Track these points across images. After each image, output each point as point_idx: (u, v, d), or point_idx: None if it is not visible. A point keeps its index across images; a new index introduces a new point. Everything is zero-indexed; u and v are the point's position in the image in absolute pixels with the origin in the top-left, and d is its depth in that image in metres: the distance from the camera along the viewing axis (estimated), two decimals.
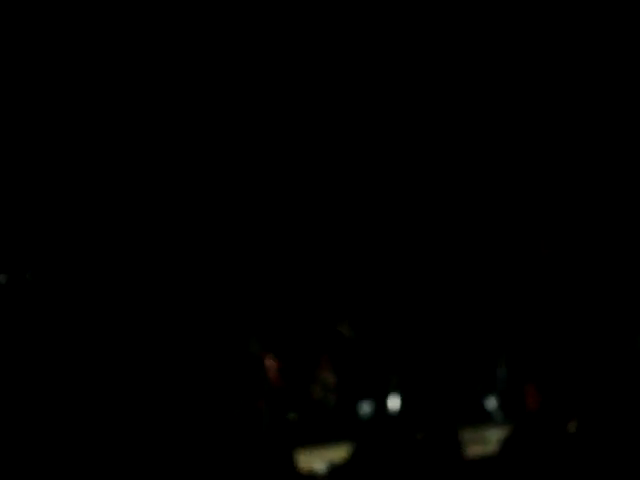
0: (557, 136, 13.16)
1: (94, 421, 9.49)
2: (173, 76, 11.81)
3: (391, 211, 13.22)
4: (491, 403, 13.01)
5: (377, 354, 13.10)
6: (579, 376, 12.94)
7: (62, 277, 10.93)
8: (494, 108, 13.03)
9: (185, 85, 11.92)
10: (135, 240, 11.44)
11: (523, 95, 12.93)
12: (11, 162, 10.86)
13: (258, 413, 11.17)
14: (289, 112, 12.46)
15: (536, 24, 12.11)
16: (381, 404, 12.55)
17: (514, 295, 13.62)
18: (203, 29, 11.62)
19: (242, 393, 11.07)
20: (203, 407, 10.17)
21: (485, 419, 12.53)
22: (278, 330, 12.45)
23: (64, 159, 11.21)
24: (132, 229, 11.56)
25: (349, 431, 11.18)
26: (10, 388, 9.54)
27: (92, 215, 11.28)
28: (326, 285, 13.06)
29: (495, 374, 13.40)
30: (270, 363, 12.18)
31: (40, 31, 10.80)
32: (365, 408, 12.65)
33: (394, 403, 12.55)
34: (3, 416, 8.79)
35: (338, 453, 9.12)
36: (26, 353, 10.09)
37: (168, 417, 9.72)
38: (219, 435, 9.51)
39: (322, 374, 12.33)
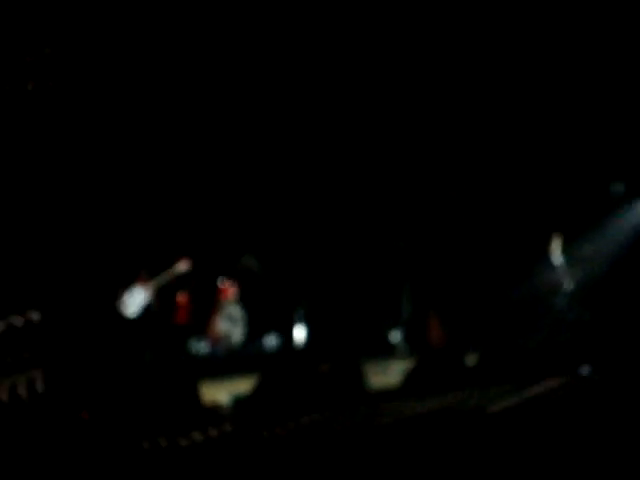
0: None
1: None
2: (173, 76, 11.74)
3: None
4: (395, 336, 13.18)
5: (282, 287, 13.14)
6: (479, 311, 13.21)
7: None
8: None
9: (185, 85, 11.86)
10: None
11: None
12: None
13: (161, 346, 11.20)
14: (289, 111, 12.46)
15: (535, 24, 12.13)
16: (286, 337, 12.62)
17: (417, 232, 13.77)
18: (204, 29, 11.51)
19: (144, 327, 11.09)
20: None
21: (389, 351, 12.69)
22: (189, 265, 12.39)
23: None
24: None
25: (254, 363, 11.26)
26: None
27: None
28: (232, 219, 13.01)
29: (399, 308, 13.55)
30: (180, 299, 12.17)
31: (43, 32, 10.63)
32: (270, 341, 12.71)
33: (299, 336, 12.63)
34: None
35: (243, 385, 9.17)
36: None
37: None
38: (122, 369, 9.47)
39: (228, 307, 12.33)
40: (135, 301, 11.30)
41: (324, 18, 11.84)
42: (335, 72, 12.46)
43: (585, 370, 9.87)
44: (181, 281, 12.03)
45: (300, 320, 12.67)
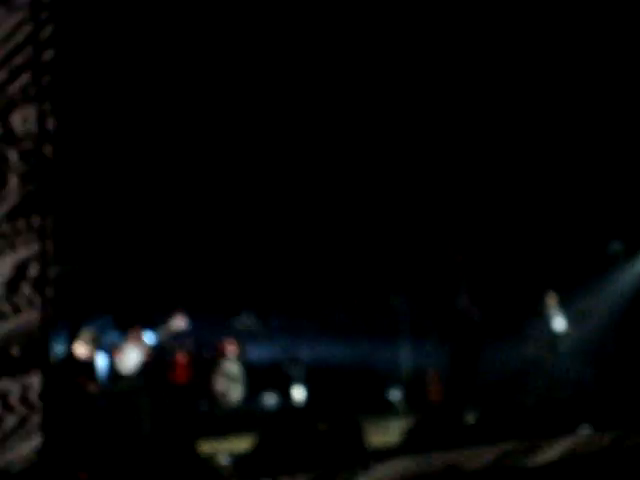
0: None
1: None
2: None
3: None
4: (394, 394, 13.16)
5: (281, 345, 13.13)
6: (478, 369, 13.19)
7: None
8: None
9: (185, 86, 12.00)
10: None
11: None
12: None
13: (163, 405, 11.16)
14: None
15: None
16: (285, 395, 12.60)
17: (415, 289, 13.80)
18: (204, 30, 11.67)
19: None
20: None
21: (389, 409, 12.67)
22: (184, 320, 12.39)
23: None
24: None
25: (254, 422, 11.22)
26: None
27: None
28: (231, 276, 13.05)
29: (399, 365, 13.54)
30: (180, 357, 12.15)
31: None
32: (269, 399, 12.68)
33: (298, 394, 12.61)
34: None
35: (243, 444, 9.15)
36: None
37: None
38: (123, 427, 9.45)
39: (227, 365, 12.32)
40: (130, 359, 11.21)
41: (324, 19, 11.98)
42: (332, 74, 12.56)
43: (585, 429, 9.84)
44: (178, 338, 12.02)
45: (299, 378, 12.66)
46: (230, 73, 12.04)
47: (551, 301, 13.16)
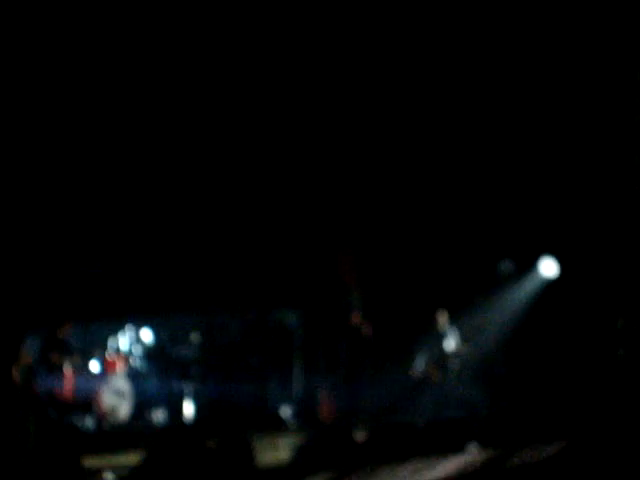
0: None
1: None
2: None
3: None
4: (286, 411, 13.09)
5: (171, 360, 12.96)
6: (368, 386, 13.24)
7: None
8: None
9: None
10: None
11: None
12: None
13: (48, 421, 10.90)
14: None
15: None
16: (174, 411, 12.43)
17: (309, 305, 13.82)
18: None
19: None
20: None
21: (280, 426, 12.60)
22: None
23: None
24: None
25: (142, 439, 11.04)
26: None
27: None
28: (118, 287, 12.84)
29: (290, 382, 13.51)
30: (67, 373, 11.90)
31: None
32: (157, 415, 12.50)
33: (188, 411, 12.44)
34: None
35: (129, 460, 8.98)
36: None
37: None
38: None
39: (115, 381, 12.11)
40: None
41: (324, 18, 11.95)
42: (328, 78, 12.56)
43: (473, 447, 9.93)
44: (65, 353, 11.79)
45: (189, 395, 12.50)
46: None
47: (442, 319, 13.27)
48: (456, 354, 13.19)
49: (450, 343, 13.23)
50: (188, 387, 12.53)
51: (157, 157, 12.52)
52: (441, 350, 13.18)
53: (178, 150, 12.56)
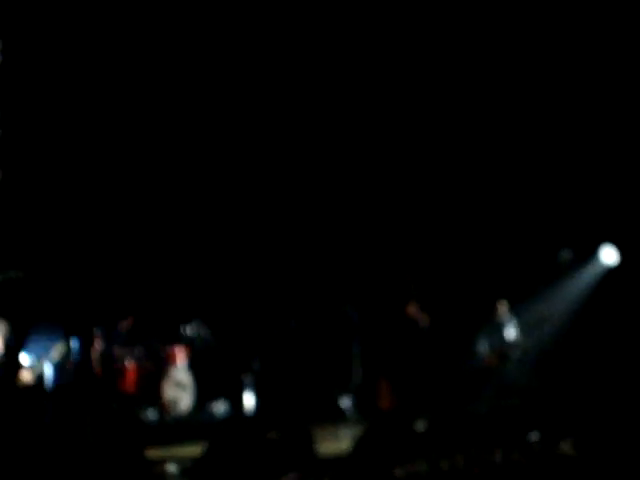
0: None
1: None
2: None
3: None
4: (345, 401, 13.12)
5: (232, 353, 13.04)
6: (430, 377, 13.20)
7: None
8: None
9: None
10: None
11: None
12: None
13: (111, 414, 11.03)
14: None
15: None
16: (235, 403, 12.51)
17: (367, 297, 13.81)
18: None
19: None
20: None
21: (339, 417, 12.63)
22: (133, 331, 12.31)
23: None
24: None
25: (204, 431, 11.13)
26: None
27: None
28: (181, 283, 12.96)
29: (349, 373, 13.52)
30: (129, 366, 12.02)
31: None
32: (219, 407, 12.59)
33: (248, 402, 12.52)
34: None
35: (192, 453, 9.06)
36: None
37: None
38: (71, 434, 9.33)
39: (176, 373, 12.22)
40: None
41: (322, 16, 11.99)
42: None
43: (534, 436, 9.87)
44: (127, 346, 11.92)
45: (249, 386, 12.57)
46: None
47: (502, 309, 13.21)
48: (517, 344, 13.12)
49: (510, 333, 13.16)
50: (248, 379, 12.60)
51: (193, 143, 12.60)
52: (501, 339, 13.12)
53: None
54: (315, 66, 12.48)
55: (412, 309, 13.72)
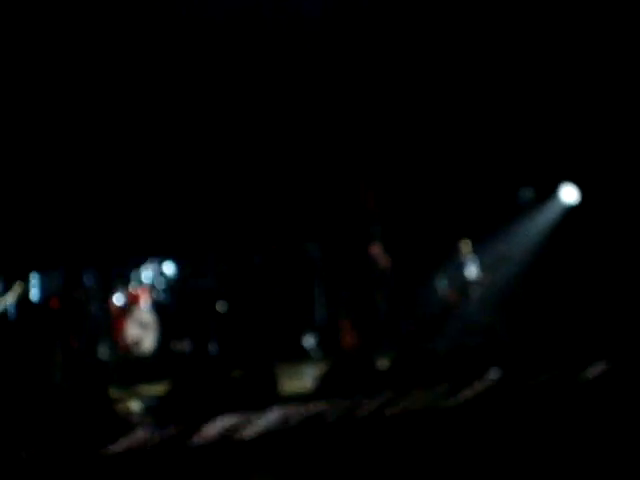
0: None
1: None
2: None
3: None
4: (308, 340, 13.20)
5: (195, 292, 13.04)
6: (391, 315, 13.31)
7: None
8: None
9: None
10: None
11: None
12: None
13: (72, 355, 11.03)
14: None
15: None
16: (198, 343, 12.53)
17: (329, 236, 13.85)
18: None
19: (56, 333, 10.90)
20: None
21: (303, 355, 12.72)
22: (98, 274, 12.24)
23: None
24: None
25: (167, 370, 11.17)
26: None
27: None
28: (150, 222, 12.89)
29: (313, 312, 13.59)
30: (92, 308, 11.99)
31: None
32: (182, 347, 12.62)
33: (212, 341, 12.55)
34: None
35: (156, 390, 9.10)
36: None
37: None
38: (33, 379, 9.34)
39: (139, 313, 12.20)
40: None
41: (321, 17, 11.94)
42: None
43: (495, 373, 10.00)
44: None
45: (212, 326, 12.60)
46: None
47: (465, 248, 13.28)
48: (478, 282, 13.23)
49: (472, 271, 13.26)
50: (212, 319, 12.62)
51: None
52: (462, 278, 13.22)
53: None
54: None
55: (375, 249, 13.79)
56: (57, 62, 11.35)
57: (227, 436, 7.85)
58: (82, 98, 11.79)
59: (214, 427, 7.90)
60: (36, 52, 11.10)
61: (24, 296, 10.91)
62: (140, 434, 7.60)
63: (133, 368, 11.41)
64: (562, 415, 8.86)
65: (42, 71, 11.39)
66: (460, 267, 13.24)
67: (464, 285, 13.15)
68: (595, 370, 10.08)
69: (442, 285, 13.19)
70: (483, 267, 13.36)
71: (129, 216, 12.80)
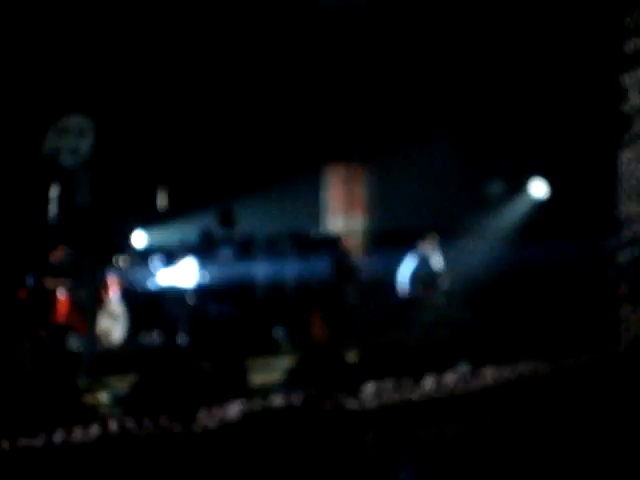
0: None
1: None
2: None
3: None
4: (279, 332, 13.23)
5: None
6: (360, 308, 13.35)
7: None
8: None
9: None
10: None
11: None
12: None
13: (42, 344, 10.99)
14: None
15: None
16: (168, 334, 12.53)
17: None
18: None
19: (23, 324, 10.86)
20: None
21: (273, 348, 12.72)
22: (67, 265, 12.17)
23: None
24: None
25: (136, 361, 11.15)
26: None
27: None
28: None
29: (283, 304, 13.61)
30: (60, 296, 11.93)
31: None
32: (152, 338, 12.61)
33: (182, 333, 12.53)
34: None
35: (124, 383, 9.09)
36: None
37: None
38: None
39: (108, 305, 12.18)
40: None
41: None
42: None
43: (463, 366, 10.07)
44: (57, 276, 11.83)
45: (183, 317, 12.58)
46: None
47: (432, 241, 13.30)
48: (446, 275, 13.26)
49: (439, 264, 13.30)
50: (182, 310, 12.61)
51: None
52: (431, 271, 13.25)
53: None
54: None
55: (345, 242, 13.85)
56: None
57: (191, 428, 7.88)
58: None
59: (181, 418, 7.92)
60: None
61: None
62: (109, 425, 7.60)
63: (103, 359, 11.39)
64: (532, 408, 8.98)
65: None
66: (427, 260, 13.25)
67: (432, 278, 13.17)
68: (564, 362, 10.22)
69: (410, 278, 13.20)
70: (450, 260, 13.40)
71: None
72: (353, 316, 13.24)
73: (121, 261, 12.78)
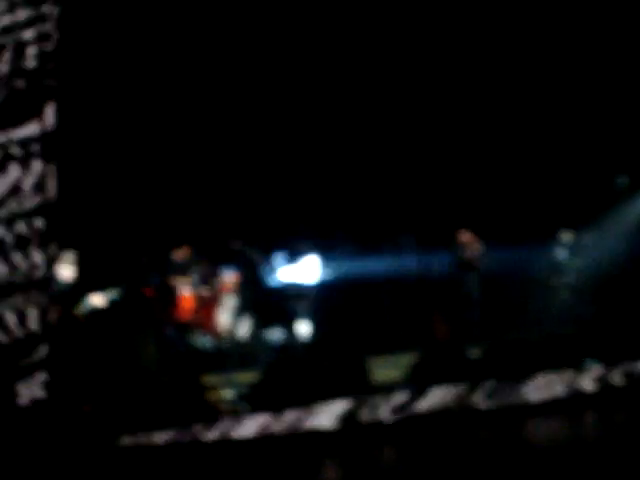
0: None
1: None
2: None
3: None
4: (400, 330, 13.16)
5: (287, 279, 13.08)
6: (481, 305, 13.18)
7: None
8: None
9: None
10: None
11: None
12: None
13: (167, 341, 11.19)
14: None
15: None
16: (290, 331, 12.57)
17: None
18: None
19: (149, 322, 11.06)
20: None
21: (394, 345, 12.65)
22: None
23: None
24: None
25: (259, 357, 11.25)
26: None
27: None
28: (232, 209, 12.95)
29: (404, 300, 13.53)
30: (185, 294, 12.13)
31: None
32: (274, 334, 12.67)
33: (304, 329, 12.56)
34: None
35: (248, 379, 9.17)
36: None
37: None
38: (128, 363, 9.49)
39: (229, 300, 12.28)
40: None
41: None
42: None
43: (589, 363, 9.87)
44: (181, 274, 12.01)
45: (304, 314, 12.61)
46: None
47: (565, 239, 13.13)
48: (572, 269, 13.04)
49: (566, 258, 13.09)
50: (303, 307, 12.63)
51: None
52: (557, 265, 13.05)
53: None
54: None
55: (466, 236, 13.69)
56: None
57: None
58: None
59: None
60: None
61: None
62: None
63: (227, 355, 11.52)
64: None
65: None
66: (554, 253, 13.07)
67: (557, 272, 12.96)
68: None
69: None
70: (578, 254, 13.17)
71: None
72: (475, 314, 13.07)
73: (244, 257, 12.87)
